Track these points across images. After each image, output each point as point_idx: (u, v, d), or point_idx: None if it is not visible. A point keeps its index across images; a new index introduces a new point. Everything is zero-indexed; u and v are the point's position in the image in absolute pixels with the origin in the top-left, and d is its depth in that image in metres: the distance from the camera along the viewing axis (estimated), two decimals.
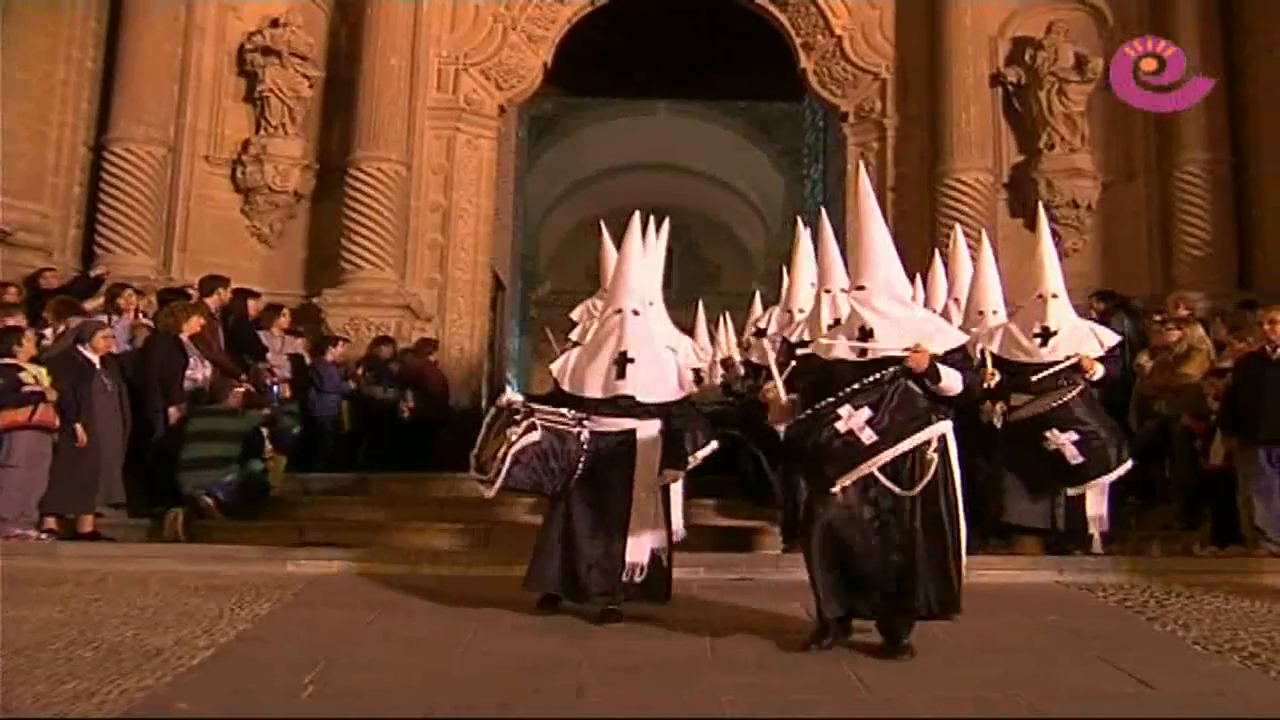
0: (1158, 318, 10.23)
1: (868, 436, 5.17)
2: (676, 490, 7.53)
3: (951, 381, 5.38)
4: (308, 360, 11.54)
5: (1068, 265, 12.87)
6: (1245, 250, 12.57)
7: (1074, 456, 7.77)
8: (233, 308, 11.32)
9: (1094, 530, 8.01)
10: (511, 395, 6.34)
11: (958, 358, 5.54)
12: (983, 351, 8.10)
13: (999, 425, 8.23)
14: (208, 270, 11.86)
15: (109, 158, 12.69)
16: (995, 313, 8.57)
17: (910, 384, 5.35)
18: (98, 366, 8.98)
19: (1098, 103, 13.18)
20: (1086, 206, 13.10)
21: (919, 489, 5.19)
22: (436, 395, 11.97)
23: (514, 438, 5.93)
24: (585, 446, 6.11)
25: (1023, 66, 13.31)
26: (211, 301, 10.89)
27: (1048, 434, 7.82)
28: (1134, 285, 12.29)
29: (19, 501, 8.42)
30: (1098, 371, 8.00)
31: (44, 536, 8.49)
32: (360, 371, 11.86)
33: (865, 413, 5.21)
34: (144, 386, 9.54)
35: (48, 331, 9.73)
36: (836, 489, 5.21)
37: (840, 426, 5.20)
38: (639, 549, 6.08)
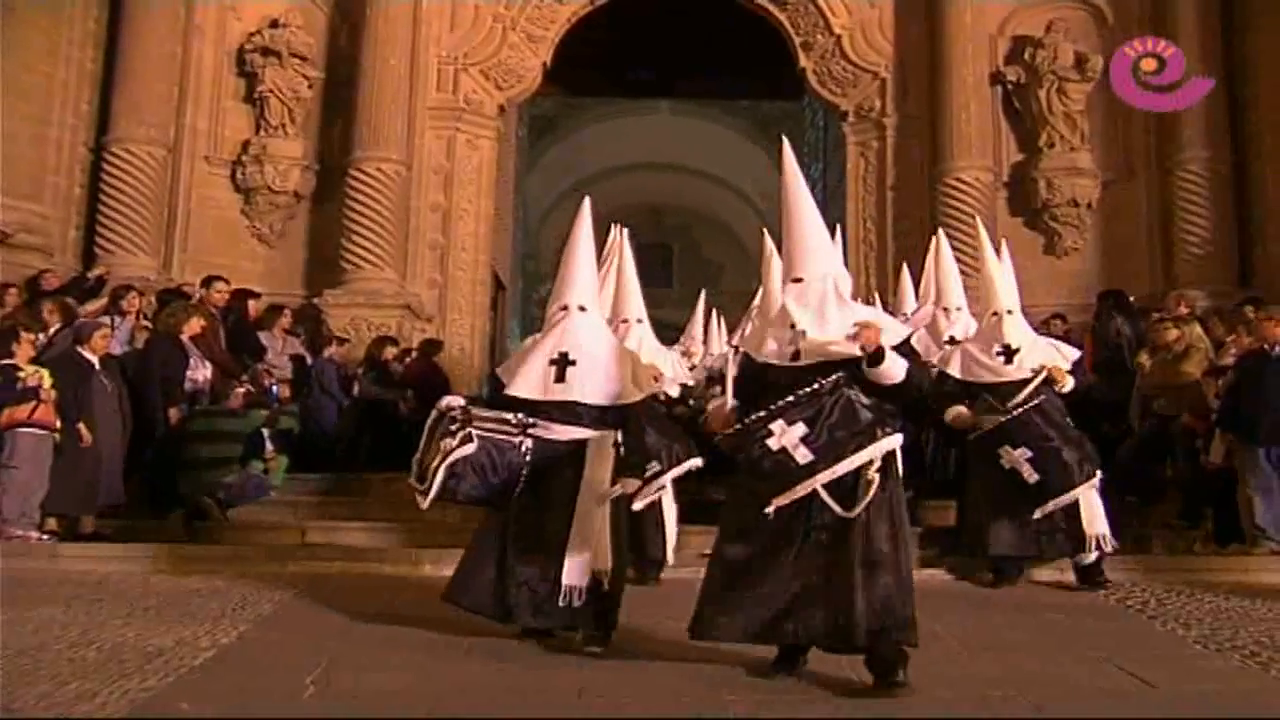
0: (1156, 316, 10.22)
1: (802, 455, 4.65)
2: (669, 511, 7.43)
3: (894, 368, 4.75)
4: (309, 360, 11.54)
5: (1067, 264, 13.02)
6: (1246, 248, 12.56)
7: (1030, 475, 7.34)
8: (233, 308, 11.32)
9: (1094, 550, 7.38)
10: (451, 400, 5.78)
11: (905, 351, 4.98)
12: (940, 374, 7.78)
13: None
14: (208, 271, 11.90)
15: (109, 158, 12.70)
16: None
17: (853, 395, 4.80)
18: (97, 367, 8.98)
19: (1098, 101, 13.17)
20: (1087, 205, 13.08)
21: (858, 509, 4.62)
22: (438, 395, 11.93)
23: (448, 449, 5.41)
24: (527, 458, 5.49)
25: (1022, 65, 13.30)
26: (212, 301, 10.89)
27: (1001, 451, 7.46)
28: (1134, 284, 12.29)
29: (20, 502, 8.41)
30: (1068, 383, 7.63)
31: (45, 537, 8.49)
32: (361, 372, 11.86)
33: (799, 429, 4.68)
34: (145, 387, 9.54)
35: (43, 335, 9.69)
36: (770, 509, 4.67)
37: (772, 444, 4.68)
38: (577, 571, 5.36)
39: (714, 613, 4.78)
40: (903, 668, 4.52)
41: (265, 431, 9.80)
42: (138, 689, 4.54)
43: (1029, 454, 7.37)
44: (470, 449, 5.39)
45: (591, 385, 5.52)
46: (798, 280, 4.99)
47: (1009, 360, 7.64)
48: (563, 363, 5.53)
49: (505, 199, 15.01)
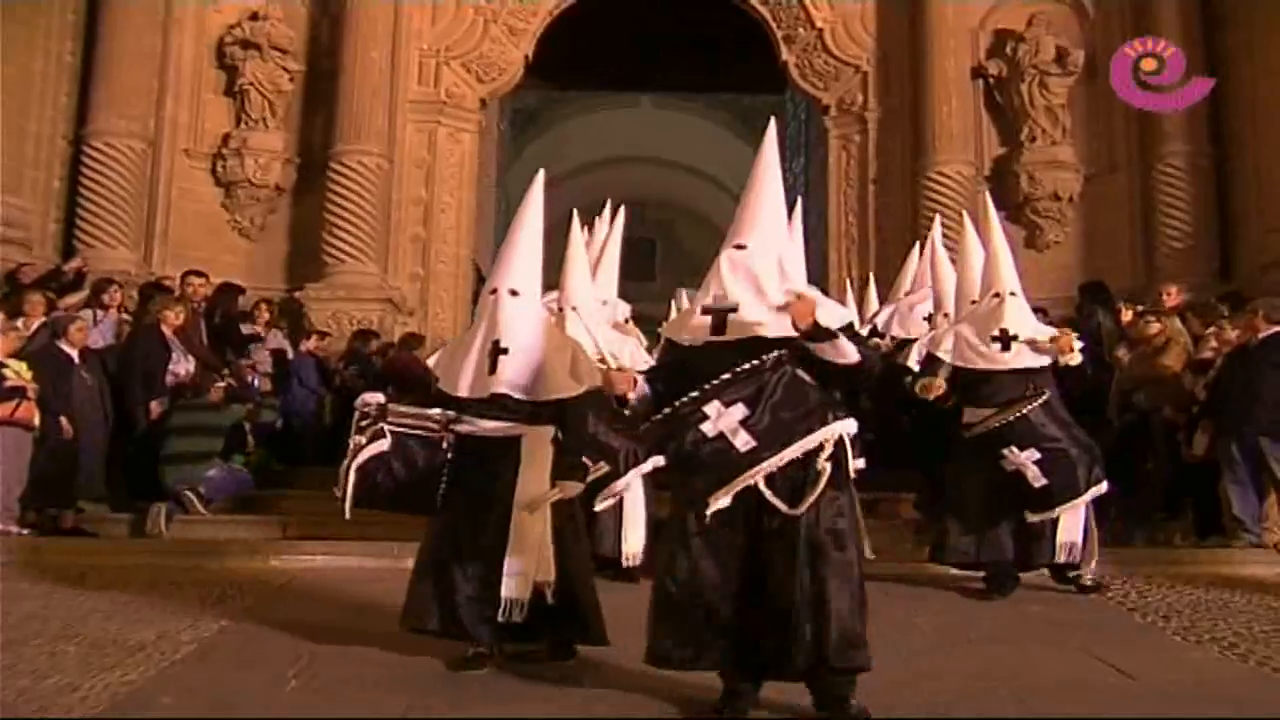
0: (1131, 310, 10.23)
1: (743, 441, 4.07)
2: (637, 506, 7.04)
3: (845, 346, 4.19)
4: (290, 355, 11.51)
5: (1049, 258, 13.05)
6: (1226, 242, 12.61)
7: (1036, 479, 6.67)
8: (219, 302, 11.29)
9: (1064, 558, 6.80)
10: (368, 396, 5.28)
11: (849, 336, 4.37)
12: (929, 356, 7.27)
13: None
14: (189, 264, 11.88)
15: (88, 151, 12.62)
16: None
17: (799, 372, 4.21)
18: (76, 361, 8.95)
19: (1079, 95, 13.21)
20: (1068, 199, 13.11)
21: (804, 507, 4.03)
22: (418, 389, 11.92)
23: (358, 447, 4.95)
24: (449, 455, 4.99)
25: (1004, 59, 13.31)
26: (192, 295, 10.85)
27: (1006, 452, 6.75)
28: (1116, 277, 12.32)
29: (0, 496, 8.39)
30: (1076, 355, 6.96)
31: (25, 532, 8.46)
32: (342, 365, 11.83)
33: (739, 410, 4.10)
34: (126, 380, 9.51)
35: (20, 323, 9.62)
36: (711, 508, 4.07)
37: (708, 429, 4.10)
38: (515, 582, 4.75)
39: (665, 639, 4.17)
40: (852, 694, 4.05)
41: (246, 425, 9.78)
42: (119, 682, 4.54)
43: (1037, 456, 6.70)
44: (383, 445, 4.95)
45: (523, 377, 4.93)
46: (740, 247, 4.38)
47: (1006, 348, 6.92)
48: (495, 352, 4.95)
49: (487, 193, 14.98)
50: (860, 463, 6.40)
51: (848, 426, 4.21)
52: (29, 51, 12.44)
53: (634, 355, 7.35)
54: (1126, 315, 10.16)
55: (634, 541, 7.03)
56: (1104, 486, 6.91)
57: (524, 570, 4.77)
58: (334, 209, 12.92)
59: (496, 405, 4.94)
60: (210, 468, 9.22)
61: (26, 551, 7.98)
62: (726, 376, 4.13)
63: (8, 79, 12.10)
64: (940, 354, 7.14)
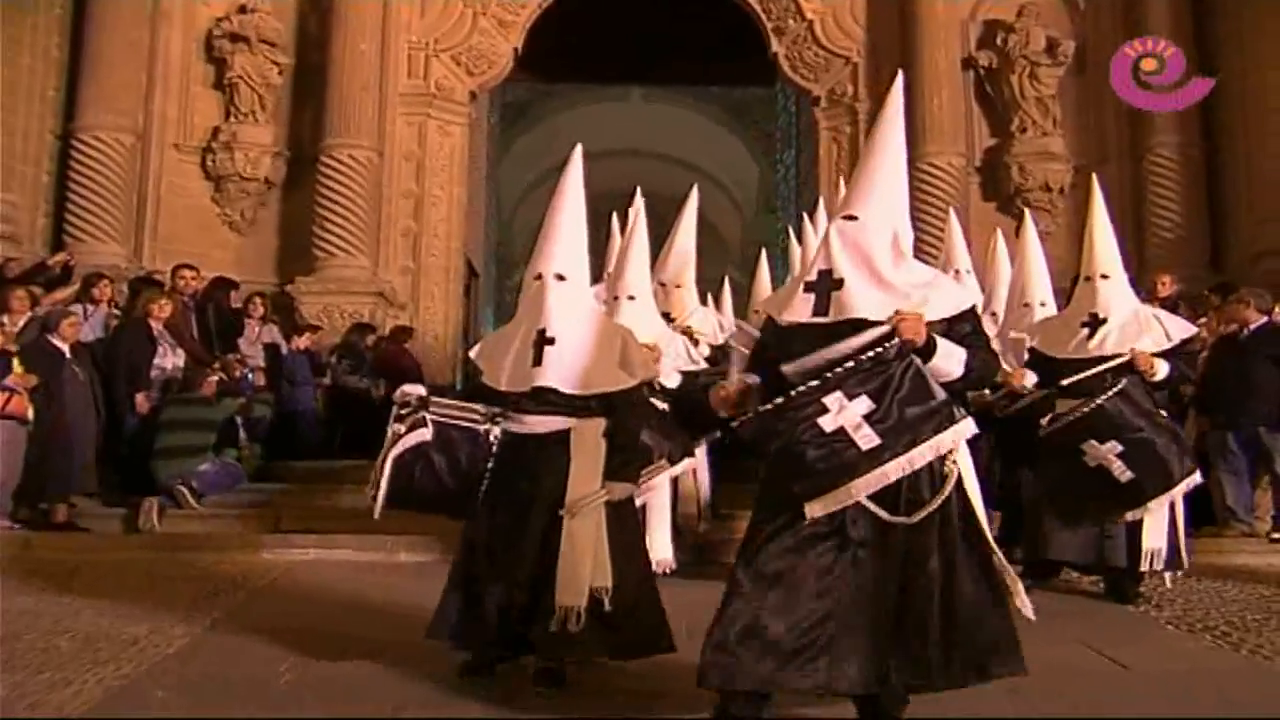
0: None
1: (866, 439, 3.59)
2: (663, 507, 6.80)
3: (947, 362, 3.80)
4: (283, 349, 11.49)
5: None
6: (1217, 233, 12.65)
7: (1121, 472, 6.11)
8: (212, 297, 11.27)
9: (1146, 566, 6.27)
10: (409, 388, 4.91)
11: (965, 330, 3.94)
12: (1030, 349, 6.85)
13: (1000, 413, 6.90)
14: (179, 259, 11.82)
15: (77, 146, 12.57)
16: (1044, 304, 7.11)
17: (920, 365, 3.72)
18: (67, 355, 8.93)
19: (1069, 86, 13.24)
20: (1059, 190, 13.12)
21: (923, 514, 3.65)
22: (407, 382, 11.90)
23: (396, 436, 4.60)
24: (494, 450, 4.62)
25: (994, 50, 13.32)
26: (182, 289, 10.82)
27: (1085, 446, 6.19)
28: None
29: None
30: (1160, 371, 6.33)
31: (17, 527, 8.44)
32: (335, 359, 11.82)
33: (862, 404, 3.61)
34: (111, 374, 9.49)
35: (5, 319, 9.57)
36: (810, 515, 3.62)
37: (826, 423, 3.60)
38: (571, 588, 4.37)
39: (727, 654, 3.62)
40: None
41: (239, 420, 9.77)
42: (112, 676, 4.53)
43: (1119, 448, 6.13)
44: (424, 435, 4.60)
45: (570, 369, 4.57)
46: (850, 218, 3.92)
47: (1092, 334, 6.39)
48: (540, 342, 4.58)
49: (477, 186, 14.97)
50: None
51: (971, 428, 3.79)
52: (16, 46, 12.37)
53: (682, 351, 7.15)
54: None
55: (660, 547, 6.65)
56: (1197, 477, 6.41)
57: (578, 576, 4.39)
58: (324, 202, 12.90)
59: (541, 399, 4.58)
60: (202, 462, 9.21)
61: (18, 546, 7.97)
62: (850, 365, 3.66)
63: None
64: (1035, 345, 6.75)
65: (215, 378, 9.70)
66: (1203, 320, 9.42)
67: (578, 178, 4.97)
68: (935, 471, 3.68)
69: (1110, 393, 6.17)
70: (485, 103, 15.08)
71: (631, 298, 6.85)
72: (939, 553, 3.68)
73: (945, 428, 3.65)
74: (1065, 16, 13.51)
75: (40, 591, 6.43)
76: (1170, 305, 10.06)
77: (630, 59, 17.51)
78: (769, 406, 3.68)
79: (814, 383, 3.65)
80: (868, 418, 3.60)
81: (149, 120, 13.08)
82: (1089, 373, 6.31)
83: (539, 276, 4.70)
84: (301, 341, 11.61)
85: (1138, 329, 6.41)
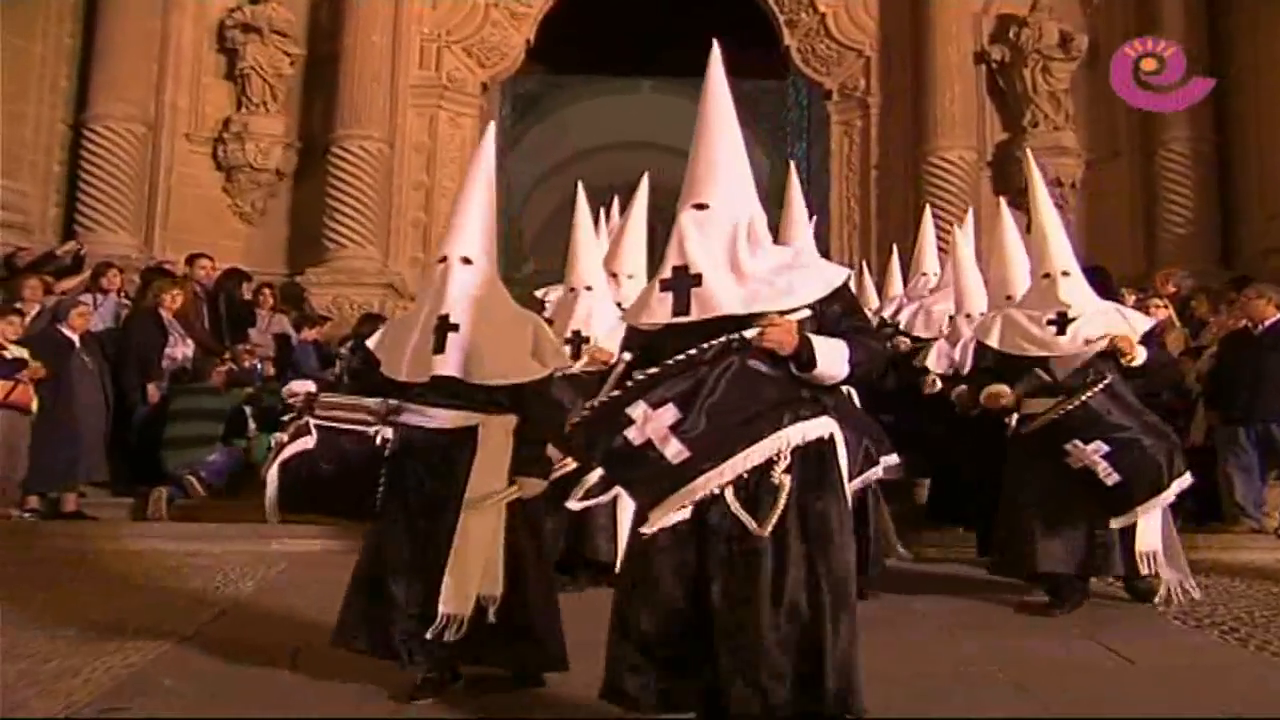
0: (1140, 295, 10.22)
1: (674, 451, 3.26)
2: (625, 513, 5.82)
3: (831, 366, 3.43)
4: (294, 340, 11.50)
5: None
6: (1228, 228, 12.60)
7: (1107, 474, 5.81)
8: (224, 287, 11.28)
9: (1146, 570, 5.98)
10: (296, 385, 4.72)
11: (837, 312, 3.58)
12: (978, 347, 6.62)
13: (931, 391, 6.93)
14: (189, 249, 11.87)
15: (88, 135, 12.57)
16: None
17: (751, 363, 3.35)
18: (77, 345, 8.95)
19: (1082, 81, 13.17)
20: (1070, 185, 13.07)
21: (767, 528, 3.31)
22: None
23: (279, 445, 4.35)
24: (384, 451, 4.28)
25: (1007, 44, 13.26)
26: (197, 279, 10.85)
27: (1069, 446, 5.88)
28: (1117, 263, 12.25)
29: None
30: (1140, 355, 6.04)
31: (26, 515, 8.47)
32: (345, 350, 11.81)
33: (668, 414, 3.25)
34: (121, 363, 9.50)
35: (19, 307, 9.60)
36: (650, 527, 3.38)
37: (632, 435, 3.27)
38: (456, 594, 4.14)
39: (618, 674, 3.51)
40: None
41: (248, 409, 9.77)
42: (120, 665, 4.54)
43: (1104, 449, 5.82)
44: (307, 443, 4.28)
45: (475, 357, 4.27)
46: (701, 206, 3.63)
47: (1061, 330, 6.09)
48: (443, 328, 4.30)
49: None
50: (893, 458, 6.25)
51: (814, 429, 3.43)
52: (28, 34, 12.39)
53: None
54: (1129, 300, 10.12)
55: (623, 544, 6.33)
56: (1188, 479, 6.06)
57: (466, 581, 4.15)
58: (335, 193, 12.90)
59: (445, 391, 4.29)
60: (211, 452, 9.22)
61: (27, 535, 7.99)
62: (654, 371, 3.30)
63: (6, 62, 12.07)
64: (989, 342, 6.38)
65: (225, 368, 9.72)
66: (1214, 318, 9.40)
67: (490, 157, 4.84)
68: (766, 484, 3.34)
69: (1096, 388, 5.87)
70: (496, 94, 15.06)
71: (630, 276, 6.96)
72: (772, 578, 3.33)
73: (766, 434, 3.32)
74: (1078, 11, 13.43)
75: (48, 580, 6.45)
76: (1180, 304, 10.08)
77: (641, 50, 17.47)
78: (586, 411, 3.38)
79: (615, 392, 3.35)
80: (674, 428, 3.26)
81: (160, 110, 13.07)
82: (1077, 364, 6.03)
83: (444, 259, 4.45)
84: (310, 333, 11.61)
85: (1107, 319, 6.16)
